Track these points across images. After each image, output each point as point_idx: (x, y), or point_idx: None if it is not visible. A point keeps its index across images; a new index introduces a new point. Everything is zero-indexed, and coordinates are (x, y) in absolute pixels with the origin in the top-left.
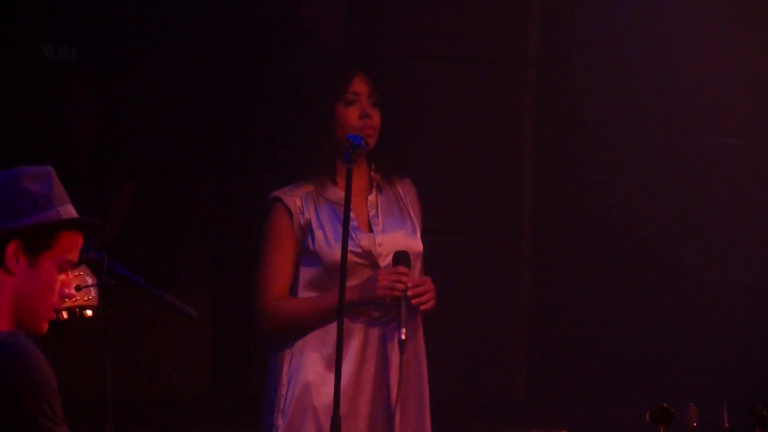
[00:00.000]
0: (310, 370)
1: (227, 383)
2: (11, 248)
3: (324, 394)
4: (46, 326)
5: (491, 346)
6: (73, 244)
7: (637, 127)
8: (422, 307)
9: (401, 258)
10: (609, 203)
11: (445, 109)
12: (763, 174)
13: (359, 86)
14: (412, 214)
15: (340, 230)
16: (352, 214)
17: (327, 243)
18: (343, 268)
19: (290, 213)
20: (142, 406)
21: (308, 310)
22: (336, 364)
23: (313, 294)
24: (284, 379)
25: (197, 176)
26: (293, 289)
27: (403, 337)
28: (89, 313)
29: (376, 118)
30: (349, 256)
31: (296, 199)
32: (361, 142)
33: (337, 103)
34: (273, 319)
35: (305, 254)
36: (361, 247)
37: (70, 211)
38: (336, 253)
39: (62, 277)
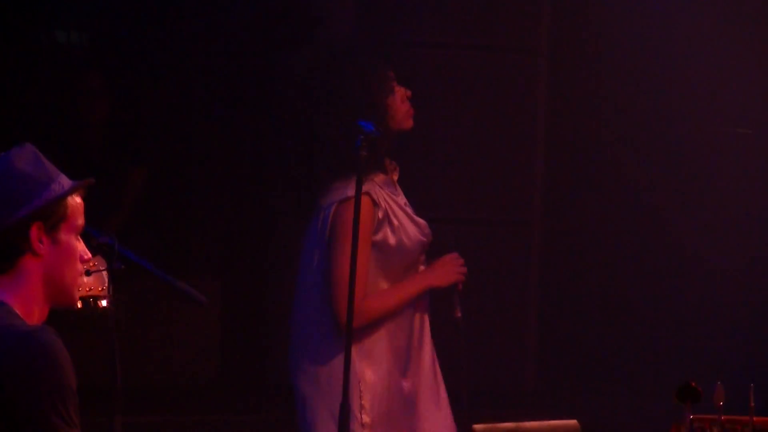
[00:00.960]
0: (384, 364)
1: (236, 369)
2: (34, 232)
3: (402, 387)
4: (77, 297)
5: (501, 335)
6: (78, 208)
7: (648, 116)
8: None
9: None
10: (619, 192)
11: (457, 97)
12: None
13: (391, 74)
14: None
15: (407, 220)
16: (404, 203)
17: (407, 235)
18: (353, 263)
19: (376, 206)
20: (152, 391)
21: (395, 303)
22: (345, 350)
23: (383, 282)
24: (359, 376)
25: (209, 164)
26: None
27: (459, 314)
28: (104, 303)
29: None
30: (420, 245)
31: (375, 188)
32: (372, 129)
33: (384, 96)
34: (362, 316)
35: (382, 245)
36: (425, 236)
37: (66, 179)
38: (414, 242)
39: (79, 244)
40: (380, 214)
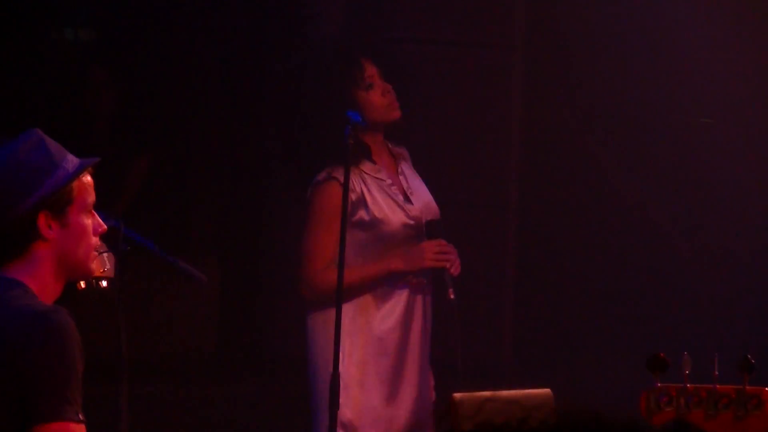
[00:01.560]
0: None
1: (232, 342)
2: (42, 219)
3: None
4: (93, 268)
5: (480, 312)
6: (87, 186)
7: (618, 104)
8: (453, 272)
9: (435, 226)
10: (591, 176)
11: (436, 88)
12: (733, 149)
13: (371, 70)
14: (419, 177)
15: (392, 203)
16: (394, 188)
17: (384, 214)
18: (342, 242)
19: (348, 190)
20: (155, 363)
21: (353, 280)
22: (336, 325)
23: (361, 261)
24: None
25: (206, 151)
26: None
27: (452, 296)
28: (104, 284)
29: (393, 94)
30: (403, 227)
31: (350, 178)
32: (359, 119)
33: (358, 91)
34: (315, 288)
35: (358, 225)
36: (413, 219)
37: (72, 160)
38: (393, 224)
39: (90, 220)
40: (353, 197)
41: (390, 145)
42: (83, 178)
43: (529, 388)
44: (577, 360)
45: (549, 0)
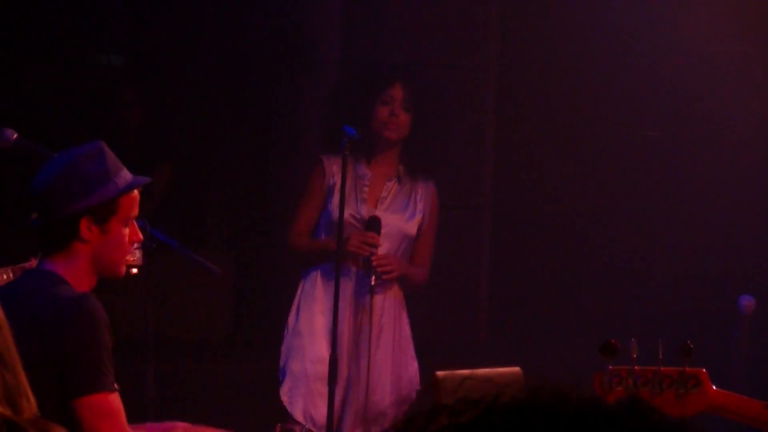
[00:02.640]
0: (316, 303)
1: (245, 326)
2: (84, 223)
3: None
4: (123, 270)
5: (458, 298)
6: (132, 202)
7: (582, 115)
8: (384, 277)
9: (372, 222)
10: (559, 180)
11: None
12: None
13: (395, 92)
14: (419, 207)
15: (354, 196)
16: (366, 189)
17: (335, 207)
18: (340, 229)
19: (324, 173)
20: (176, 344)
21: (310, 249)
22: (334, 311)
23: (328, 237)
24: (295, 304)
25: (222, 159)
26: (317, 231)
27: (373, 283)
28: (134, 270)
29: (403, 118)
30: (351, 219)
31: (333, 165)
32: (354, 134)
33: (376, 102)
34: (290, 248)
35: (325, 211)
36: (360, 215)
37: (125, 176)
38: (335, 216)
39: (128, 230)
40: (330, 181)
41: (402, 166)
42: (131, 193)
43: (501, 367)
44: (544, 341)
45: (519, 28)
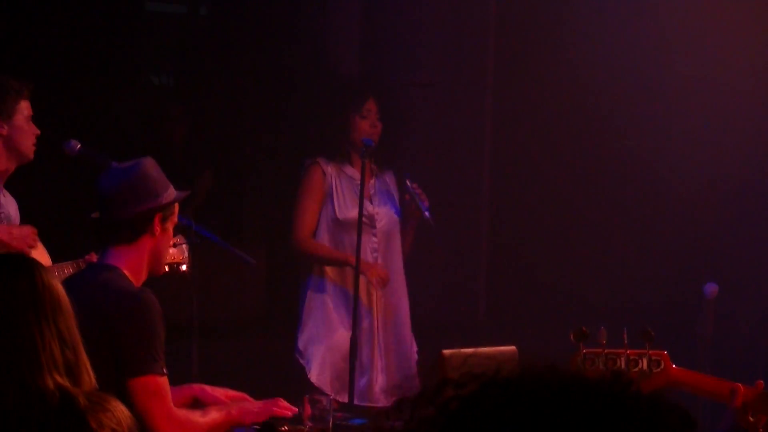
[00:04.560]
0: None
1: (275, 310)
2: (157, 219)
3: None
4: (165, 269)
5: (458, 281)
6: (176, 210)
7: (572, 123)
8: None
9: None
10: (553, 183)
11: (420, 117)
12: (653, 163)
13: (371, 105)
14: (393, 195)
15: (354, 198)
16: (357, 189)
17: (345, 206)
18: (359, 231)
19: (324, 174)
20: (217, 325)
21: (329, 258)
22: (354, 300)
23: (326, 237)
24: (309, 294)
25: (256, 167)
26: (317, 230)
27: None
28: (184, 268)
29: (379, 128)
30: (363, 219)
31: (328, 166)
32: (372, 144)
33: (356, 116)
34: (298, 250)
35: (326, 209)
36: (368, 212)
37: (173, 188)
38: (350, 214)
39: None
40: (329, 181)
41: (373, 165)
42: (176, 205)
43: (499, 345)
44: (535, 324)
45: (513, 46)
